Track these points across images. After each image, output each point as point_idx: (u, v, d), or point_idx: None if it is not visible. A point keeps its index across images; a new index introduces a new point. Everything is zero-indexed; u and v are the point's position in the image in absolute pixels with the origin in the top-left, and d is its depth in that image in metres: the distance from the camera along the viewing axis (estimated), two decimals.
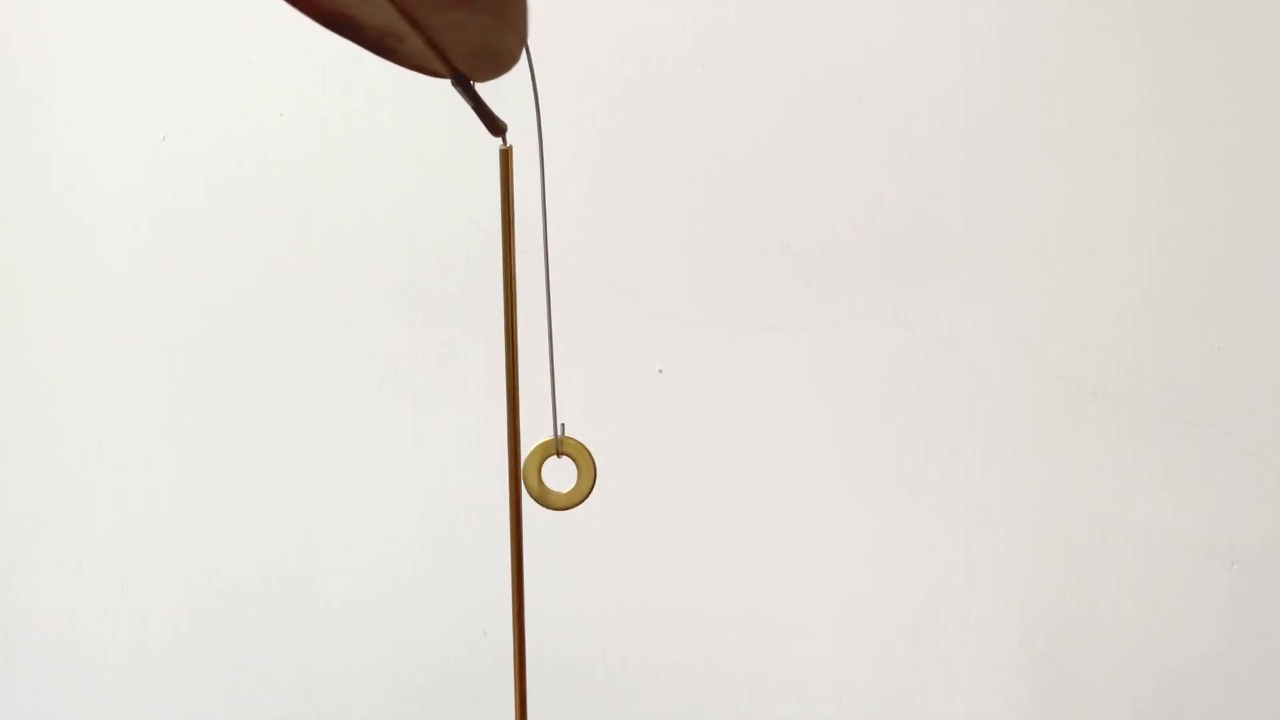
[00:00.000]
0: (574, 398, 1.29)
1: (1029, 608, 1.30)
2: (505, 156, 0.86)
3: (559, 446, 0.90)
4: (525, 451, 0.89)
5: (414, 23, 0.66)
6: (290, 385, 1.30)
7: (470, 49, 0.69)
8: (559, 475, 0.90)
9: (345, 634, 1.31)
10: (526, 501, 0.90)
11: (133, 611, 1.31)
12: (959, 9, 1.27)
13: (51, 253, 1.30)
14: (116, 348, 1.30)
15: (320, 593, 1.31)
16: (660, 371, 1.29)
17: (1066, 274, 1.28)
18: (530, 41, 1.21)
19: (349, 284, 1.29)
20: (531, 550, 1.24)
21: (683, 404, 1.29)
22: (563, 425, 0.91)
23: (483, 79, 0.74)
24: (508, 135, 0.86)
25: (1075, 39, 1.26)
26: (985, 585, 1.30)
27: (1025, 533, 1.29)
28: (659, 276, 1.28)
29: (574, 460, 0.91)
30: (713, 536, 1.30)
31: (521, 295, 0.81)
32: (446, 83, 0.71)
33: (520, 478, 0.88)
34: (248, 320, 1.30)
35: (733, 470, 1.30)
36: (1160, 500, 1.29)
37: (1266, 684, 1.30)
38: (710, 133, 1.27)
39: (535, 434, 0.88)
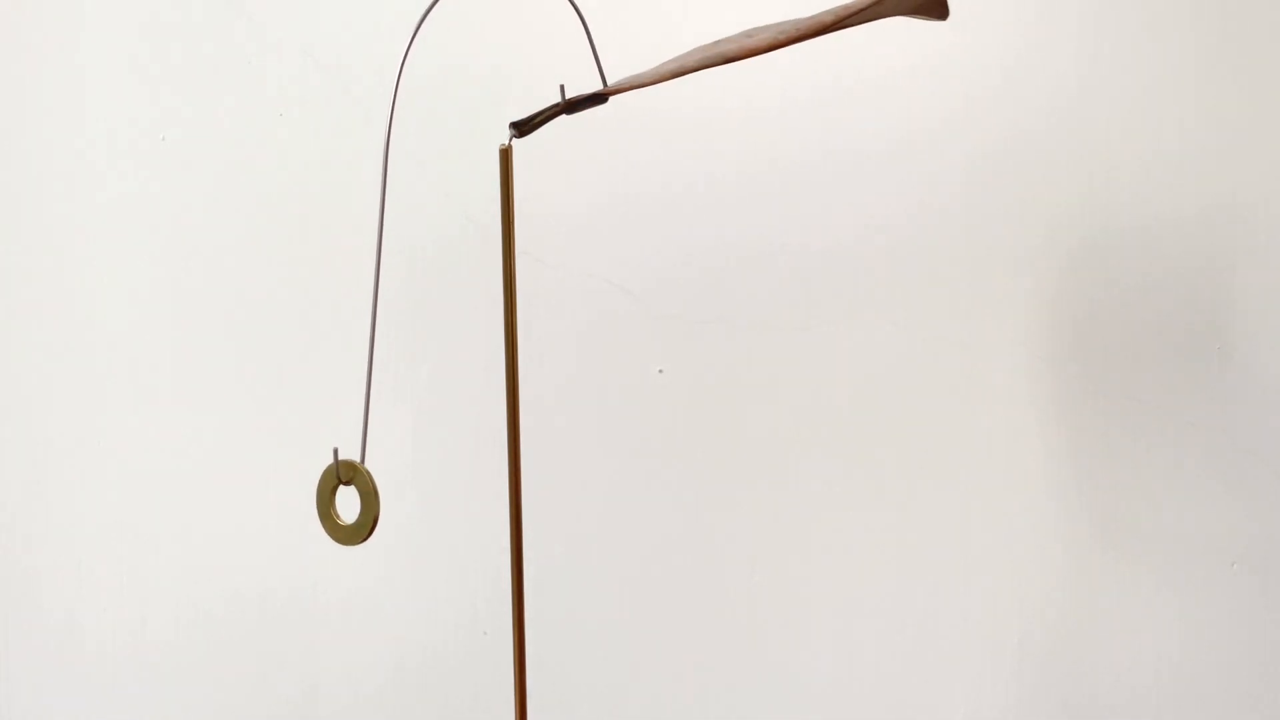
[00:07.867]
0: (574, 398, 1.29)
1: (1029, 608, 1.30)
2: (505, 156, 0.86)
3: (339, 474, 0.81)
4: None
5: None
6: (289, 384, 1.30)
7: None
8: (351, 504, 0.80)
9: (345, 634, 1.31)
10: (525, 501, 0.89)
11: (133, 611, 1.31)
12: (960, 9, 1.27)
13: (51, 252, 1.30)
14: (116, 347, 1.30)
15: (320, 591, 1.31)
16: (660, 371, 1.29)
17: (1066, 273, 1.28)
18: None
19: (348, 284, 1.28)
20: (533, 551, 1.24)
21: (683, 404, 1.29)
22: (336, 450, 0.81)
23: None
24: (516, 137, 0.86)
25: (1075, 38, 1.26)
26: (985, 585, 1.30)
27: (1025, 533, 1.29)
28: (659, 276, 1.28)
29: (358, 490, 0.81)
30: (713, 536, 1.30)
31: (521, 295, 0.80)
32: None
33: (519, 477, 0.88)
34: (247, 320, 1.30)
35: (732, 470, 1.30)
36: (1160, 500, 1.29)
37: (1267, 684, 1.30)
38: (711, 131, 1.27)
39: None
